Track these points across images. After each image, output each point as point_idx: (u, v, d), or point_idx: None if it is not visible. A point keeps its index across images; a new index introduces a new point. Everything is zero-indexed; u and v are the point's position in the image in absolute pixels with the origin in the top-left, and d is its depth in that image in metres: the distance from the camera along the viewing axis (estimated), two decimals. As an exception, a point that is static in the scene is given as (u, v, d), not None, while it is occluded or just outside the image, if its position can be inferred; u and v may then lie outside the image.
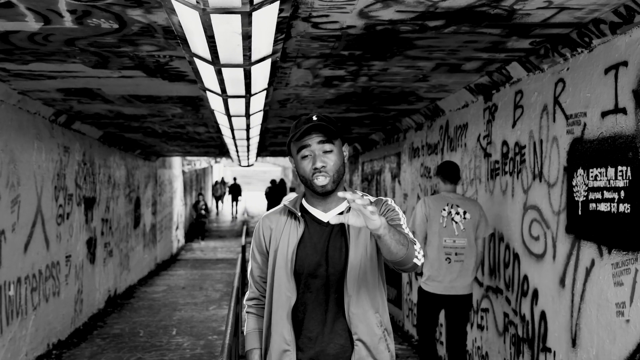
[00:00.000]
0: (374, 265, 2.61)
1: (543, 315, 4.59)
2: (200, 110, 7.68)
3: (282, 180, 30.63)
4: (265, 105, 6.36)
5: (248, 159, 15.64)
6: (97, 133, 9.71)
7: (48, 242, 7.61)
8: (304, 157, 2.59)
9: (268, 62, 4.21)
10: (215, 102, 6.04)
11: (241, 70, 4.25)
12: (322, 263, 2.58)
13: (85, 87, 6.02)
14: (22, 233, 6.75)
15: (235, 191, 31.84)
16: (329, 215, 2.64)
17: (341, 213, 2.56)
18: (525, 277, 4.92)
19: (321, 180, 2.55)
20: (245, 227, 19.68)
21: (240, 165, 19.86)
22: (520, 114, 5.06)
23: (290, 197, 2.81)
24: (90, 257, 9.75)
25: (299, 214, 2.65)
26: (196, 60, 4.18)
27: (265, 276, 2.75)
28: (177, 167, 20.72)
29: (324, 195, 2.60)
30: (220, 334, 8.76)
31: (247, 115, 6.57)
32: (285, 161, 29.05)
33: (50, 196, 7.66)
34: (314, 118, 2.58)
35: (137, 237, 13.79)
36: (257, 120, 7.57)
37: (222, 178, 37.13)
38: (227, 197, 35.90)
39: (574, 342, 4.13)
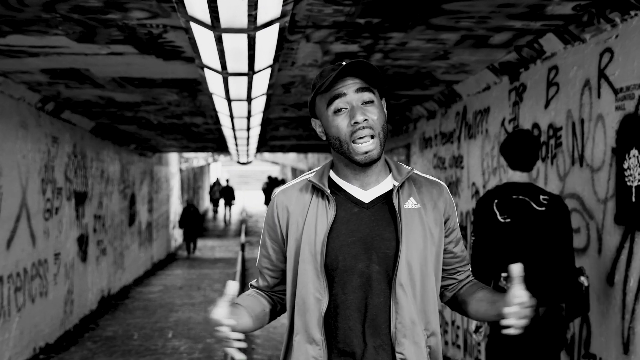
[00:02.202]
0: (433, 264, 2.02)
1: (585, 317, 4.07)
2: (197, 96, 7.15)
3: (275, 178, 29.96)
4: (269, 87, 5.82)
5: (247, 154, 15.12)
6: (88, 124, 9.17)
7: (34, 238, 7.07)
8: (338, 111, 1.97)
9: (275, 28, 3.69)
10: (214, 84, 5.51)
11: (244, 37, 3.72)
12: (361, 257, 1.97)
13: (71, 67, 5.49)
14: (4, 228, 6.21)
15: (228, 194, 27.34)
16: (369, 194, 2.03)
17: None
18: (562, 274, 4.39)
19: (366, 145, 1.94)
20: (244, 226, 19.19)
21: (239, 162, 19.36)
22: (554, 92, 4.54)
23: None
24: (82, 255, 9.20)
25: (328, 191, 2.02)
26: (193, 26, 3.65)
27: (274, 270, 2.15)
28: (174, 164, 20.19)
29: (365, 165, 1.98)
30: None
31: (249, 99, 6.04)
32: (284, 158, 28.39)
33: (36, 189, 7.13)
34: (344, 62, 1.95)
35: (132, 235, 13.25)
36: (259, 107, 7.05)
37: (218, 179, 32.83)
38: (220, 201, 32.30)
39: (626, 348, 3.61)
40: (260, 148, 15.61)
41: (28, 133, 6.84)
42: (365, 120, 1.94)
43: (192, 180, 26.01)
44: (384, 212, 2.01)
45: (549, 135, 4.61)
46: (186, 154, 22.06)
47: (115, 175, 11.56)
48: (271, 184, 27.83)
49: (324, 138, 2.07)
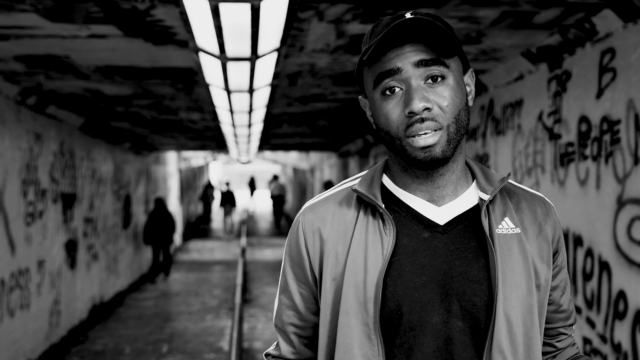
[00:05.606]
0: (537, 318, 1.35)
1: (654, 346, 3.41)
2: (194, 89, 6.48)
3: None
4: (274, 77, 5.16)
5: (248, 152, 14.46)
6: (77, 120, 8.50)
7: (14, 245, 6.40)
8: (387, 91, 1.30)
9: (285, -3, 3.03)
10: (211, 72, 4.85)
11: (247, 8, 3.06)
12: (436, 307, 1.30)
13: (49, 53, 4.82)
14: (-23, 235, 5.56)
15: (229, 200, 23.31)
16: (445, 212, 1.36)
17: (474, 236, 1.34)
18: (621, 294, 3.73)
19: (424, 137, 1.26)
20: (246, 228, 18.54)
21: (239, 161, 18.71)
22: (610, 79, 3.87)
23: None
24: (70, 261, 8.53)
25: (383, 206, 1.34)
26: (184, -5, 3.00)
27: (306, 328, 1.46)
28: (173, 164, 19.53)
29: (428, 167, 1.31)
30: (218, 352, 7.56)
31: (251, 90, 5.38)
32: (286, 157, 27.54)
33: (16, 191, 6.46)
34: (408, 15, 1.28)
35: (127, 238, 12.58)
36: (261, 100, 6.39)
37: (209, 181, 28.56)
38: (216, 207, 28.50)
39: None
40: (263, 146, 14.94)
41: (6, 129, 6.18)
42: (427, 109, 1.26)
43: (191, 180, 25.27)
44: (468, 239, 1.33)
45: (603, 130, 3.94)
46: (185, 154, 21.40)
47: (108, 175, 10.89)
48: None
49: (374, 127, 1.38)
